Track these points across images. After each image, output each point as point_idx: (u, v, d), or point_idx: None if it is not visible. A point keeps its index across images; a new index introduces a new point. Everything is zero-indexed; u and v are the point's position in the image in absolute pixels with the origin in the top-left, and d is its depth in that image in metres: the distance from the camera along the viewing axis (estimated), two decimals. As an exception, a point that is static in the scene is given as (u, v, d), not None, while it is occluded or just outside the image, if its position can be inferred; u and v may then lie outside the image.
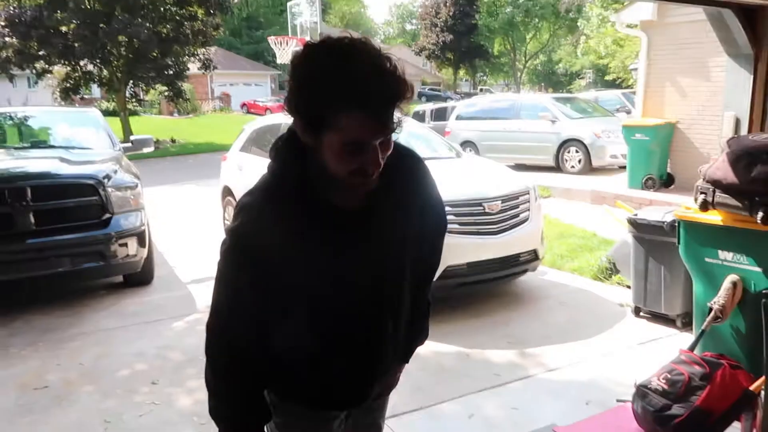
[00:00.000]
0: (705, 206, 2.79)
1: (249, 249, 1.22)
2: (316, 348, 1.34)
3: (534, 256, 4.79)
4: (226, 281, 1.27)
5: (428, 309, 1.64)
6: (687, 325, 4.03)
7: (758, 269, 2.72)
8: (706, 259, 2.96)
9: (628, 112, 14.23)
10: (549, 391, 3.34)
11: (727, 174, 2.60)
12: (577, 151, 10.91)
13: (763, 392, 2.62)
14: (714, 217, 2.84)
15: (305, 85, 1.15)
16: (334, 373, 1.38)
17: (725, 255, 2.86)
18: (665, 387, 2.72)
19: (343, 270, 1.27)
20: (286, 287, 1.25)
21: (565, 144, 11.06)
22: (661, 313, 4.17)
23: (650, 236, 4.05)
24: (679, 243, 3.11)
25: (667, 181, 8.34)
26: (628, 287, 4.68)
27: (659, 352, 3.74)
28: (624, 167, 9.24)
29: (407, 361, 1.64)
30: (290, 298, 1.27)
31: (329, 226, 1.24)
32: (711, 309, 2.84)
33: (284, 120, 6.26)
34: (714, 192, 2.70)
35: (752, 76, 3.25)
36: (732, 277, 2.80)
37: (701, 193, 2.77)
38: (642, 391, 2.81)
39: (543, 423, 2.96)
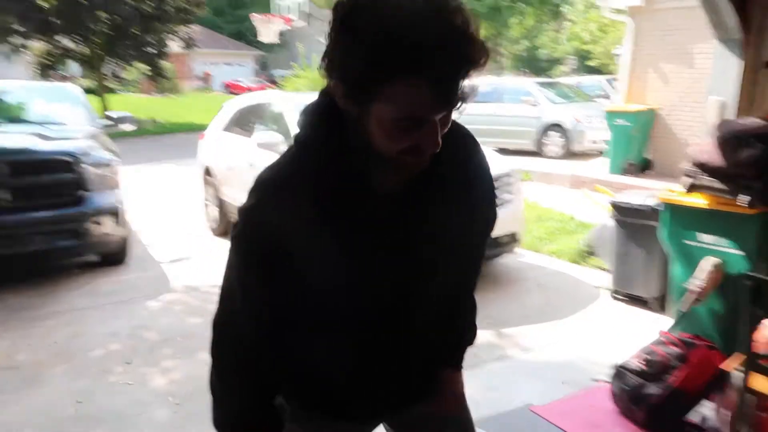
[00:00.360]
0: (691, 189, 2.79)
1: (262, 233, 1.02)
2: (324, 345, 1.14)
3: (513, 239, 4.80)
4: (237, 270, 1.09)
5: (474, 306, 1.42)
6: (662, 307, 4.06)
7: (740, 252, 2.74)
8: (688, 242, 2.98)
9: (608, 98, 14.30)
10: (526, 371, 3.36)
11: (713, 157, 2.60)
12: (557, 136, 10.94)
13: (734, 371, 2.65)
14: (699, 200, 2.85)
15: (351, 40, 0.90)
16: (338, 373, 1.18)
17: (707, 238, 2.88)
18: (643, 367, 2.74)
19: (369, 261, 1.06)
20: (303, 277, 1.05)
21: (546, 128, 11.08)
22: (638, 295, 4.20)
23: (631, 220, 4.06)
24: (661, 226, 3.11)
25: (644, 167, 8.40)
26: (605, 270, 4.71)
27: (634, 333, 3.76)
28: (603, 152, 9.31)
29: (459, 367, 1.41)
30: (306, 288, 1.07)
31: (361, 210, 1.03)
32: (690, 291, 2.85)
33: (268, 99, 6.14)
34: (700, 175, 2.70)
35: (741, 61, 3.24)
36: (713, 260, 2.82)
37: (687, 176, 2.77)
38: (620, 372, 2.83)
39: (519, 402, 2.97)
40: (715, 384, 2.67)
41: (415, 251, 1.10)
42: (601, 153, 9.65)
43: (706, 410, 2.71)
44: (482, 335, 3.84)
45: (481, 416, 2.86)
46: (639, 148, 8.34)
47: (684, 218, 2.97)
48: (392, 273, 1.09)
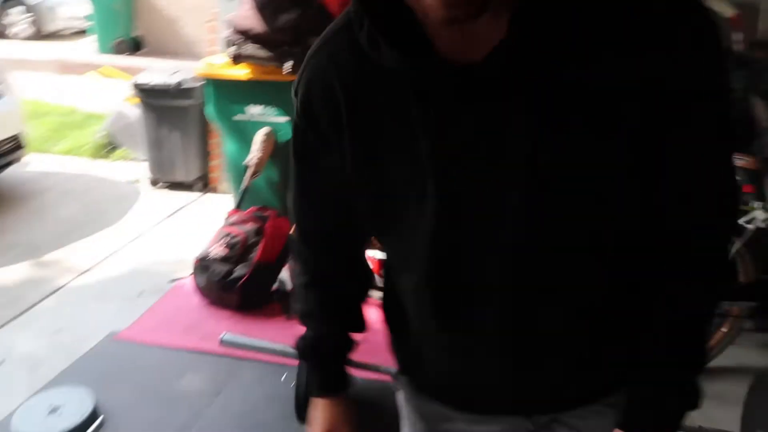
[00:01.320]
0: (237, 59, 2.63)
1: (308, 90, 0.75)
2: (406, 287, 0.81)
3: (17, 144, 3.84)
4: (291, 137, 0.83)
5: (706, 316, 0.75)
6: (206, 186, 4.05)
7: (288, 118, 2.81)
8: (237, 117, 2.89)
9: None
10: (91, 297, 2.84)
11: (255, 23, 2.47)
12: (22, 14, 9.12)
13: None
14: (243, 71, 2.73)
15: None
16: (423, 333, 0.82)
17: (255, 110, 2.84)
18: (226, 253, 2.65)
19: (418, 172, 0.67)
20: (354, 170, 0.73)
21: (3, 5, 9.08)
22: (180, 180, 4.04)
23: (159, 102, 3.73)
24: (206, 103, 2.93)
25: (137, 45, 7.91)
26: (137, 161, 4.35)
27: (188, 220, 3.66)
28: (83, 32, 8.35)
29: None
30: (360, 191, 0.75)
31: (426, 82, 0.64)
32: (249, 165, 2.83)
33: None
34: (244, 44, 2.56)
35: None
36: (264, 130, 2.82)
37: (232, 44, 2.59)
38: (203, 264, 2.68)
39: (99, 335, 2.51)
40: (289, 249, 2.82)
41: (521, 157, 0.63)
42: (84, 32, 8.56)
43: (282, 275, 2.86)
44: (18, 271, 3.08)
45: (63, 367, 2.29)
46: (126, 24, 7.71)
47: (230, 92, 2.85)
48: (480, 190, 0.66)
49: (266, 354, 2.23)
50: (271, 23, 2.43)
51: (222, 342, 2.13)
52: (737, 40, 2.96)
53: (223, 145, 3.14)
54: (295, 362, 2.01)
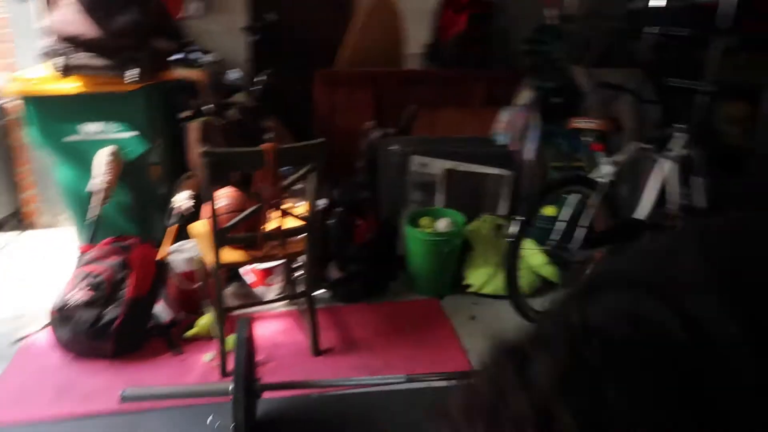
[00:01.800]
0: (67, 71, 2.23)
1: None
2: None
3: None
4: None
5: None
6: (22, 223, 3.46)
7: (134, 133, 2.49)
8: (69, 138, 2.48)
9: None
10: None
11: (84, 28, 2.11)
12: None
13: (169, 257, 2.59)
14: (72, 85, 2.33)
15: None
16: None
17: (92, 127, 2.46)
18: (90, 296, 2.30)
19: None
20: None
21: None
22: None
23: (-56, 131, 3.07)
24: (29, 125, 2.46)
25: None
26: None
27: (9, 265, 3.09)
28: None
29: None
30: None
31: None
32: (96, 191, 2.47)
33: None
34: (74, 52, 2.18)
35: None
36: (109, 149, 2.47)
37: (59, 54, 2.19)
38: (64, 315, 2.28)
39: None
40: (160, 276, 2.54)
41: None
42: None
43: (156, 308, 2.57)
44: None
45: None
46: None
47: (57, 110, 2.43)
48: None
49: (175, 399, 1.98)
50: (106, 27, 2.10)
51: (123, 399, 1.84)
52: (551, 15, 3.29)
53: (57, 172, 2.67)
54: (216, 399, 1.83)
